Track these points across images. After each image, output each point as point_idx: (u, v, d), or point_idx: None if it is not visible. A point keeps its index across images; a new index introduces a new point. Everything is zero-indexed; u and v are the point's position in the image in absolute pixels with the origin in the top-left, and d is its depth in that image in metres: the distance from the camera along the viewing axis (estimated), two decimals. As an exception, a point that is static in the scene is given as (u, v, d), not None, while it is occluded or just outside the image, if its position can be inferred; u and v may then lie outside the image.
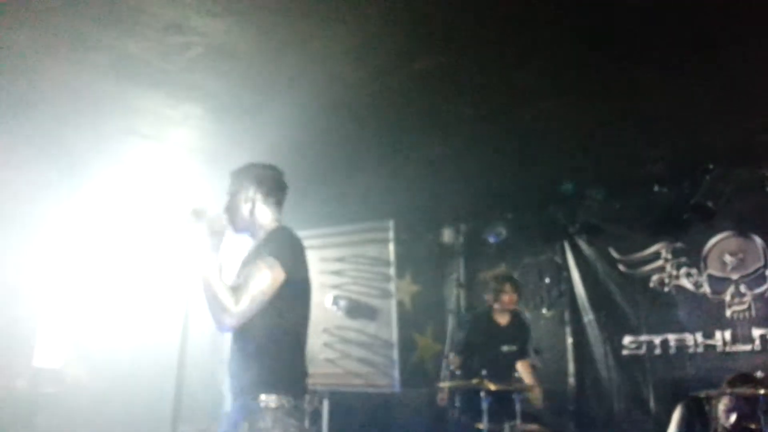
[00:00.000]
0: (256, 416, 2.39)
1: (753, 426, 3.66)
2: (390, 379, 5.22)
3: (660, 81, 3.69)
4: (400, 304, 6.20)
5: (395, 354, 5.19)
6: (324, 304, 5.52)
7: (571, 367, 5.63)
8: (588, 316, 5.60)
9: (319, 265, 5.68)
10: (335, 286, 5.56)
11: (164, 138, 4.58)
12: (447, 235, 6.39)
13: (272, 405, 2.39)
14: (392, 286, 5.29)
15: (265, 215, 2.61)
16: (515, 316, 5.08)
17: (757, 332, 4.67)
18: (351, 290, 5.47)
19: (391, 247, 5.32)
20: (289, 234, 2.57)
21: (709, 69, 3.55)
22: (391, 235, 5.33)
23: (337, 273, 5.57)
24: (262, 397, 2.40)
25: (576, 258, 5.77)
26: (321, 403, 5.67)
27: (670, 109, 4.03)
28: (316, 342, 5.43)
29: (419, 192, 5.62)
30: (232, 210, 2.61)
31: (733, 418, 3.76)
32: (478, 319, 5.18)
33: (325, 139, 4.49)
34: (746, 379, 4.00)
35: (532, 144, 4.60)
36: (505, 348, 4.89)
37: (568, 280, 5.81)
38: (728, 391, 3.80)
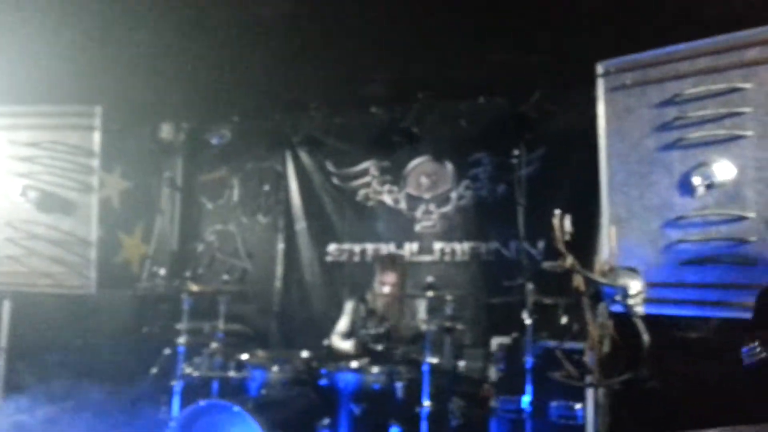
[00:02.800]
0: None
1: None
2: (85, 280, 4.83)
3: (383, 8, 3.84)
4: (106, 201, 5.74)
5: (93, 254, 4.80)
6: (9, 194, 4.82)
7: (279, 270, 5.90)
8: (300, 224, 5.88)
9: (7, 148, 4.89)
10: (25, 175, 4.85)
11: None
12: (166, 130, 6.00)
13: None
14: (95, 180, 4.82)
15: None
16: None
17: (438, 245, 5.41)
18: (45, 181, 4.82)
19: (97, 136, 4.80)
20: None
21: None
22: (97, 122, 4.79)
23: (29, 159, 4.85)
24: None
25: (296, 168, 5.95)
26: (0, 303, 5.06)
27: (390, 36, 4.24)
28: (-4, 236, 4.75)
29: (137, 80, 5.11)
30: None
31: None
32: None
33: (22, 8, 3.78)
34: (393, 258, 4.75)
35: (260, 49, 4.48)
36: None
37: (286, 188, 5.98)
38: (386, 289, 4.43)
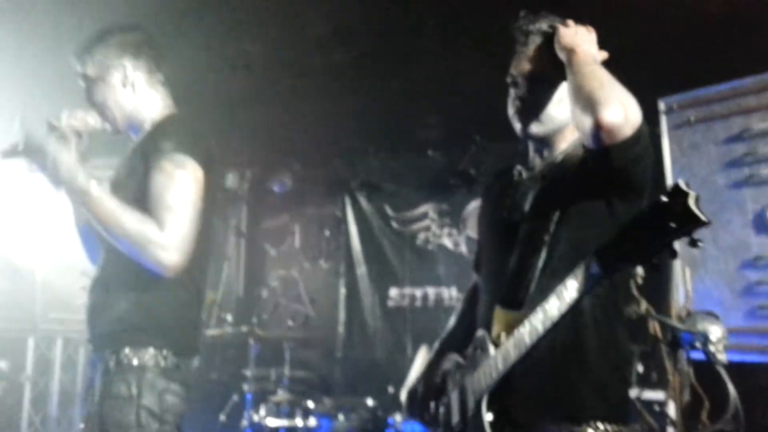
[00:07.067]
0: (113, 377, 1.80)
1: None
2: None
3: (438, 52, 3.91)
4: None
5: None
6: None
7: (342, 316, 5.93)
8: (361, 269, 5.91)
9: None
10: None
11: None
12: (231, 179, 6.21)
13: (140, 362, 1.80)
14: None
15: (152, 100, 2.07)
16: None
17: (501, 288, 5.32)
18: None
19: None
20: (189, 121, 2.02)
21: (481, 43, 3.83)
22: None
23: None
24: (127, 350, 1.81)
25: (355, 212, 6.03)
26: (76, 351, 5.26)
27: (446, 79, 4.30)
28: (73, 285, 4.98)
29: (204, 130, 5.35)
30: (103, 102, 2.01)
31: None
32: None
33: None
34: None
35: (319, 97, 4.62)
36: None
37: (346, 233, 6.05)
38: None
